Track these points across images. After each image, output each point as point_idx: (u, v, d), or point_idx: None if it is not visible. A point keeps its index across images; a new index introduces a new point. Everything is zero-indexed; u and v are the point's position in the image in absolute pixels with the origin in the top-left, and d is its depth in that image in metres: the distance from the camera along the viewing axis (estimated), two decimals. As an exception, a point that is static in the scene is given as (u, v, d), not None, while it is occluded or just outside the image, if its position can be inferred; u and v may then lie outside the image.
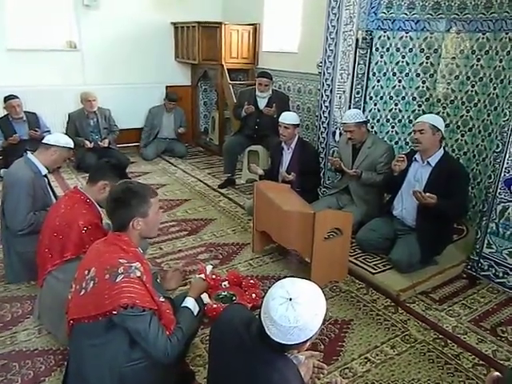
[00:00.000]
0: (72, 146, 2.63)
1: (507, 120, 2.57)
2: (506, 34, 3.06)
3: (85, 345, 1.57)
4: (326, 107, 3.87)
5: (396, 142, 3.82)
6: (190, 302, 1.73)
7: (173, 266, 2.80)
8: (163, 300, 1.62)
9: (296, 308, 1.16)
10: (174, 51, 5.91)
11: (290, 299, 1.17)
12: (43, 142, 2.54)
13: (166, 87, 5.82)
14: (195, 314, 1.72)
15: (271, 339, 1.19)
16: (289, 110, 3.95)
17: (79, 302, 1.57)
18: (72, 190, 2.21)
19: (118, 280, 1.47)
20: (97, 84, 5.23)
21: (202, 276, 1.86)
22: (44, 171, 2.54)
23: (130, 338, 1.53)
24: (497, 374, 0.75)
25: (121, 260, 1.52)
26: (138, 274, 1.50)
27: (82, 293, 1.56)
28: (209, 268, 1.93)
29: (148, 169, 5.08)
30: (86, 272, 1.57)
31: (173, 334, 1.56)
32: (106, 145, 4.83)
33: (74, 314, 1.58)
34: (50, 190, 2.66)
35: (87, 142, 4.71)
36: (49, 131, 4.44)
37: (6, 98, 4.37)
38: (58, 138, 2.56)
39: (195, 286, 1.83)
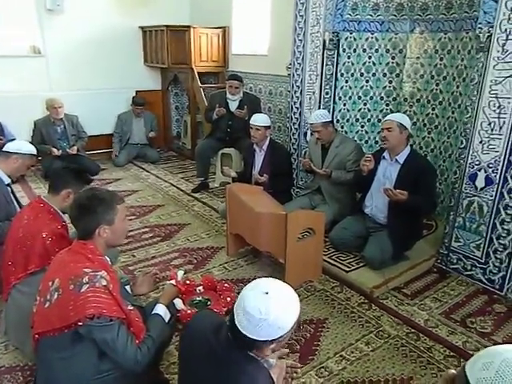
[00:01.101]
0: (34, 152, 2.55)
1: (470, 117, 2.65)
2: (467, 33, 3.16)
3: (52, 359, 1.51)
4: (297, 108, 3.90)
5: (366, 141, 3.89)
6: (160, 309, 1.70)
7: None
8: (132, 308, 1.58)
9: (269, 302, 1.16)
10: (143, 55, 5.84)
11: (266, 293, 1.18)
12: (3, 150, 2.46)
13: (136, 92, 5.73)
14: (166, 320, 1.69)
15: (239, 332, 1.17)
16: (260, 112, 3.96)
17: (44, 315, 1.51)
18: (35, 199, 2.13)
19: (82, 290, 1.42)
20: (63, 90, 5.09)
21: (173, 282, 1.83)
22: (6, 180, 2.45)
23: (99, 349, 1.49)
24: (452, 371, 0.75)
25: (86, 269, 1.47)
26: (104, 282, 1.46)
27: (46, 305, 1.50)
28: (180, 274, 1.90)
29: (119, 175, 4.98)
30: (50, 283, 1.51)
31: (142, 343, 1.53)
32: (74, 152, 4.71)
33: (39, 328, 1.53)
34: (14, 199, 2.57)
35: (54, 150, 4.58)
36: (14, 139, 4.29)
37: (-33, 107, 4.21)
38: (20, 145, 2.48)
39: (166, 293, 1.80)
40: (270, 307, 1.15)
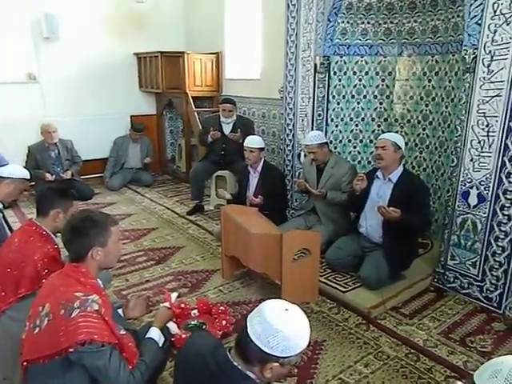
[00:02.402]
0: (27, 176, 2.54)
1: (459, 136, 2.69)
2: (453, 55, 3.25)
3: (41, 388, 1.46)
4: (290, 130, 3.94)
5: (359, 162, 3.92)
6: (154, 333, 1.66)
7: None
8: (124, 333, 1.54)
9: (289, 317, 1.18)
10: (138, 81, 5.93)
11: (286, 310, 1.20)
12: (-4, 175, 2.45)
13: (131, 117, 5.79)
14: (160, 344, 1.65)
15: (249, 342, 1.15)
16: (254, 135, 4.00)
17: (33, 341, 1.47)
18: (26, 222, 2.11)
19: (73, 315, 1.39)
20: (58, 116, 5.12)
21: (167, 304, 1.79)
22: (-1, 205, 2.43)
23: (90, 376, 1.44)
24: (459, 383, 0.74)
25: (77, 293, 1.44)
26: (96, 307, 1.43)
27: (36, 331, 1.46)
28: (174, 296, 1.86)
29: (114, 199, 4.97)
30: (41, 308, 1.47)
31: (135, 368, 1.48)
32: (68, 176, 4.71)
33: (28, 355, 1.48)
34: (5, 225, 2.54)
35: (48, 175, 4.58)
36: (7, 164, 4.28)
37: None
38: (12, 169, 2.48)
39: (159, 315, 1.76)
40: (288, 321, 1.17)
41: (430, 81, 3.51)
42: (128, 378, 1.45)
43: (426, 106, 3.56)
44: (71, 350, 1.37)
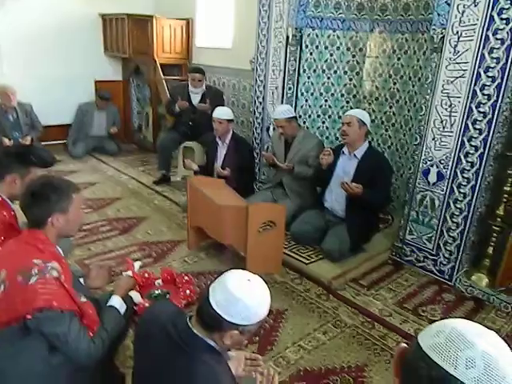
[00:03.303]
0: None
1: (423, 115, 2.76)
2: (422, 34, 3.28)
3: (-2, 355, 1.44)
4: (260, 103, 3.91)
5: (327, 137, 3.96)
6: (115, 301, 1.65)
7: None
8: (85, 300, 1.52)
9: (251, 287, 1.20)
10: (103, 44, 5.64)
11: (249, 280, 1.22)
12: None
13: (96, 82, 5.54)
14: (122, 312, 1.65)
15: (211, 309, 1.17)
16: (223, 106, 3.94)
17: (-12, 309, 1.43)
18: (-20, 188, 2.01)
19: (31, 282, 1.36)
20: (16, 77, 4.81)
21: (129, 273, 1.79)
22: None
23: (49, 343, 1.43)
24: (404, 345, 0.79)
25: (35, 260, 1.40)
26: (55, 274, 1.40)
27: (-9, 298, 1.42)
28: (137, 264, 1.85)
29: (77, 167, 4.81)
30: (-4, 275, 1.43)
31: (96, 335, 1.48)
32: (27, 142, 4.50)
33: (-16, 322, 1.44)
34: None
35: (6, 140, 4.36)
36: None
37: None
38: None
39: (122, 284, 1.75)
40: (250, 291, 1.19)
41: (399, 59, 3.54)
42: (88, 345, 1.45)
43: (394, 84, 3.61)
44: (29, 316, 1.35)
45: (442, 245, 2.79)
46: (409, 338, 2.22)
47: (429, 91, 2.70)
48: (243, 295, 1.17)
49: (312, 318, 2.36)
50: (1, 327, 1.41)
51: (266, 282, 1.28)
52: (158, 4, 5.79)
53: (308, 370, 1.98)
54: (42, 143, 4.89)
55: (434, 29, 2.60)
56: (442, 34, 2.55)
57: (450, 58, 2.54)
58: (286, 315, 2.37)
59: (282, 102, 3.66)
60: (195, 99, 4.24)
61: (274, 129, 3.67)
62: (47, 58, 5.16)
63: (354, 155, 2.89)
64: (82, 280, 1.86)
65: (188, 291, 2.39)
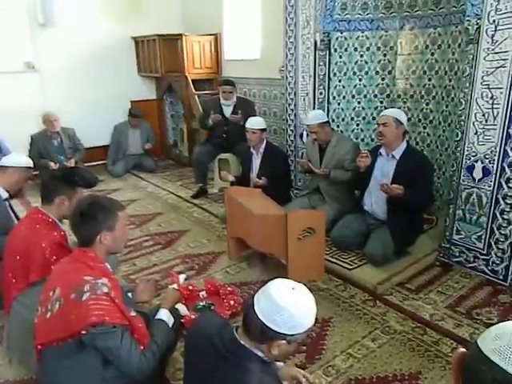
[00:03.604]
0: (31, 165, 2.55)
1: (463, 109, 2.65)
2: (456, 27, 3.18)
3: (55, 369, 1.50)
4: (292, 110, 3.91)
5: (362, 139, 3.89)
6: (163, 314, 1.69)
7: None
8: (135, 314, 1.57)
9: (296, 296, 1.20)
10: (137, 65, 5.87)
11: (293, 289, 1.21)
12: (0, 164, 2.45)
13: (131, 102, 5.75)
14: (170, 325, 1.68)
15: (256, 319, 1.16)
16: (255, 116, 3.97)
17: (46, 325, 1.50)
18: (32, 210, 2.13)
19: (84, 298, 1.41)
20: (59, 103, 5.09)
21: (175, 286, 1.82)
22: (4, 195, 2.45)
23: (103, 357, 1.47)
24: (462, 350, 0.75)
25: (86, 277, 1.46)
26: (106, 289, 1.45)
27: (48, 315, 1.49)
28: (182, 277, 1.89)
29: (118, 185, 4.98)
30: (51, 293, 1.51)
31: (147, 349, 1.52)
32: (72, 165, 4.71)
33: (42, 338, 1.52)
34: (12, 214, 2.56)
35: (51, 164, 4.58)
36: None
37: (-36, 124, 4.21)
38: (15, 158, 2.48)
39: (168, 297, 1.79)
40: (295, 300, 1.18)
41: (432, 54, 3.44)
42: (140, 358, 1.48)
43: (429, 80, 3.50)
44: (84, 332, 1.41)
45: (493, 243, 2.65)
46: (464, 342, 2.12)
47: (467, 84, 2.60)
48: (288, 304, 1.16)
49: (359, 324, 2.30)
50: (57, 343, 1.47)
51: (309, 290, 1.26)
52: (187, 22, 5.95)
53: (359, 378, 1.93)
54: (85, 164, 5.11)
55: (468, 20, 2.51)
56: (477, 24, 2.46)
57: (488, 49, 2.43)
58: (332, 323, 2.32)
59: (313, 108, 3.64)
60: (227, 111, 4.31)
61: (307, 135, 3.65)
62: (85, 83, 5.42)
63: (392, 156, 2.82)
64: (130, 295, 1.91)
65: (232, 302, 2.40)
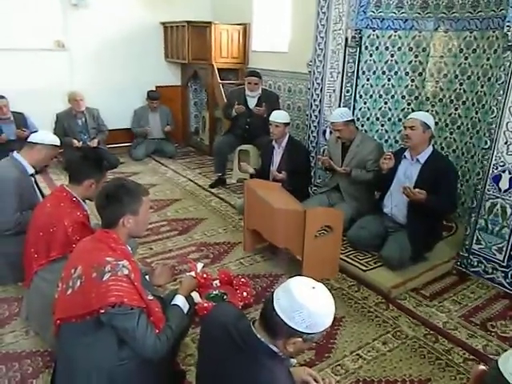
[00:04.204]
0: (58, 143, 2.59)
1: (495, 117, 2.59)
2: (493, 32, 3.09)
3: (73, 344, 1.54)
4: (316, 106, 3.87)
5: (386, 140, 3.84)
6: (179, 300, 1.71)
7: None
8: (152, 298, 1.59)
9: (316, 295, 1.20)
10: (164, 51, 5.88)
11: (313, 288, 1.21)
12: (28, 140, 2.51)
13: (156, 87, 5.78)
14: (185, 311, 1.70)
15: (275, 315, 1.16)
16: (279, 109, 3.95)
17: (66, 302, 1.54)
18: (58, 188, 2.17)
19: (105, 278, 1.44)
20: (85, 83, 5.16)
21: (193, 274, 1.84)
22: (31, 170, 2.50)
23: (119, 336, 1.51)
24: (482, 367, 0.74)
25: (108, 258, 1.49)
26: (126, 271, 1.48)
27: (68, 292, 1.53)
28: (199, 266, 1.91)
29: (138, 169, 5.04)
30: (73, 271, 1.54)
31: (162, 332, 1.54)
32: (94, 145, 4.79)
33: (61, 314, 1.55)
34: (37, 189, 2.62)
35: (75, 141, 4.66)
36: (36, 131, 4.37)
37: (-8, 98, 4.30)
38: (43, 135, 2.53)
39: (185, 284, 1.81)
40: (314, 299, 1.18)
41: (466, 58, 3.36)
42: (154, 341, 1.51)
43: (461, 84, 3.42)
44: (102, 311, 1.44)
45: (513, 256, 2.60)
46: (477, 354, 2.09)
47: (501, 92, 2.53)
48: (308, 303, 1.16)
49: (371, 327, 2.30)
50: (76, 319, 1.51)
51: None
52: (216, 10, 5.94)
53: (367, 380, 1.93)
54: (107, 146, 5.18)
55: (508, 26, 2.44)
56: (517, 30, 2.39)
57: (527, 56, 2.37)
58: (344, 322, 2.32)
59: (339, 105, 3.61)
60: (251, 103, 4.29)
61: (330, 132, 3.62)
62: (113, 65, 5.47)
63: (417, 160, 2.77)
64: (147, 277, 1.94)
65: (245, 293, 2.41)
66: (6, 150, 3.75)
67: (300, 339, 1.18)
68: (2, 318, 2.24)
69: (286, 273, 2.80)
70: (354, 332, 2.25)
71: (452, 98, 3.50)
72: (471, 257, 2.83)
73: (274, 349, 1.22)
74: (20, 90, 4.73)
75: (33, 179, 2.55)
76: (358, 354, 2.08)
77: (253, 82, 4.25)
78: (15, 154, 2.49)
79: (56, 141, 2.58)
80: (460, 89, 3.43)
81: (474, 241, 2.81)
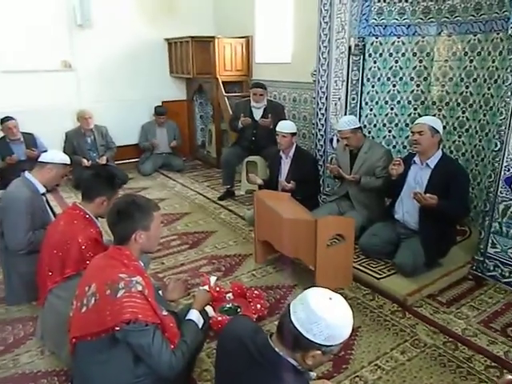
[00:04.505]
0: (68, 162, 2.62)
1: (504, 119, 2.57)
2: (497, 34, 3.08)
3: (88, 362, 1.53)
4: (322, 115, 3.88)
5: (394, 146, 3.82)
6: (194, 315, 1.70)
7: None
8: (166, 314, 1.59)
9: (333, 306, 1.18)
10: (169, 66, 5.96)
11: (330, 299, 1.20)
12: (39, 160, 2.53)
13: (162, 102, 5.84)
14: (200, 326, 1.69)
15: (292, 328, 1.15)
16: (285, 119, 3.96)
17: (81, 320, 1.54)
18: (70, 206, 2.19)
19: (119, 295, 1.44)
20: (93, 102, 5.24)
21: (206, 288, 1.83)
22: (42, 190, 2.52)
23: (134, 353, 1.50)
24: (510, 377, 0.72)
25: (121, 275, 1.49)
26: (140, 288, 1.47)
27: (83, 310, 1.53)
28: (213, 279, 1.90)
29: (147, 184, 5.07)
30: (87, 288, 1.54)
31: (177, 348, 1.53)
32: (103, 162, 4.84)
33: (77, 332, 1.55)
34: (48, 208, 2.64)
35: (84, 160, 4.71)
36: (46, 151, 4.43)
37: (3, 120, 4.37)
38: (53, 155, 2.55)
39: (199, 298, 1.80)
40: (332, 310, 1.16)
41: (471, 61, 3.35)
42: (170, 357, 1.49)
43: (467, 87, 3.41)
44: (117, 328, 1.43)
45: (530, 259, 2.55)
46: (499, 361, 2.04)
47: (509, 93, 2.51)
48: (326, 314, 1.14)
49: (388, 336, 2.26)
50: (92, 337, 1.50)
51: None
52: (219, 25, 6.01)
53: (387, 391, 1.89)
54: (116, 162, 5.23)
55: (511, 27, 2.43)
56: (522, 31, 2.38)
57: (533, 57, 2.35)
58: (360, 333, 2.28)
59: (345, 113, 3.61)
60: (257, 114, 4.32)
61: (338, 140, 3.62)
62: (119, 83, 5.55)
63: (427, 164, 2.75)
64: (160, 293, 1.94)
65: (259, 306, 2.39)
66: (17, 171, 3.82)
67: (319, 352, 1.16)
68: (17, 338, 2.24)
69: (299, 283, 2.78)
70: (371, 342, 2.21)
71: (459, 101, 3.49)
72: (487, 261, 2.78)
73: (293, 362, 1.20)
74: (29, 111, 4.82)
75: (44, 198, 2.57)
76: (376, 365, 2.04)
77: (258, 93, 4.27)
78: (26, 173, 2.51)
79: (66, 160, 2.61)
80: (466, 92, 3.42)
81: (490, 244, 2.76)
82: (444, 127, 3.50)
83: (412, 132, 2.79)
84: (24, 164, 4.14)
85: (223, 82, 5.40)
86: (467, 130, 3.46)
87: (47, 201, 2.63)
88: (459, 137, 3.53)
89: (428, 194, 2.57)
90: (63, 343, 1.82)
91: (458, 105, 3.49)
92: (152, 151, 5.50)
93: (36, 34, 4.96)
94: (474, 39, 3.30)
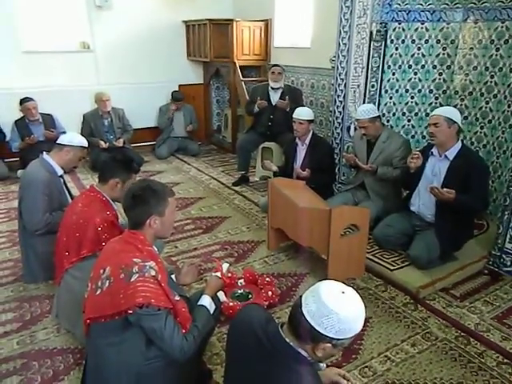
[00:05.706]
0: (86, 145, 2.64)
1: (529, 110, 2.48)
2: (527, 21, 2.96)
3: (102, 344, 1.57)
4: (340, 102, 3.81)
5: (412, 136, 3.74)
6: (206, 300, 1.72)
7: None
8: (178, 299, 1.60)
9: (346, 300, 1.16)
10: (186, 49, 5.92)
11: (343, 292, 1.18)
12: (57, 142, 2.56)
13: (179, 86, 5.82)
14: (211, 312, 1.70)
15: (303, 320, 1.14)
16: (302, 104, 3.91)
17: (95, 302, 1.57)
18: (88, 188, 2.22)
19: (132, 279, 1.46)
20: (110, 84, 5.26)
21: (218, 274, 1.84)
22: (59, 171, 2.56)
23: (146, 337, 1.52)
24: None
25: (135, 259, 1.51)
26: (153, 273, 1.49)
27: (97, 292, 1.55)
28: (225, 266, 1.90)
29: (162, 167, 5.10)
30: (102, 271, 1.56)
31: (189, 332, 1.55)
32: (120, 144, 4.87)
33: (91, 314, 1.58)
34: (66, 190, 2.68)
35: (102, 142, 4.75)
36: (64, 132, 4.47)
37: (22, 101, 4.42)
38: (72, 137, 2.58)
39: (211, 284, 1.81)
40: (344, 304, 1.15)
41: (497, 49, 3.23)
42: (181, 341, 1.52)
43: (492, 77, 3.30)
44: (130, 311, 1.45)
45: (550, 256, 2.49)
46: (511, 357, 2.01)
47: (536, 84, 2.42)
48: (338, 308, 1.13)
49: (399, 328, 2.25)
50: (105, 319, 1.53)
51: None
52: (237, 7, 5.92)
53: (396, 383, 1.89)
54: (132, 145, 5.26)
55: (544, 14, 2.32)
56: (554, 19, 2.27)
57: None
58: (371, 323, 2.28)
59: (364, 101, 3.54)
60: (274, 98, 4.27)
61: (355, 128, 3.56)
62: (137, 65, 5.55)
63: (445, 156, 2.68)
64: (173, 277, 1.96)
65: (270, 293, 2.40)
66: (36, 151, 3.88)
67: (329, 345, 1.16)
68: (34, 316, 2.31)
69: (310, 272, 2.78)
70: (381, 333, 2.21)
71: (483, 90, 3.38)
72: (504, 256, 2.73)
73: (303, 353, 1.20)
74: (47, 92, 4.87)
75: (62, 180, 2.61)
76: (386, 356, 2.04)
77: (276, 71, 4.23)
78: (45, 155, 2.55)
79: (84, 142, 2.63)
80: (491, 81, 3.31)
81: (507, 239, 2.70)
82: (466, 117, 3.42)
83: (428, 124, 2.72)
84: (43, 145, 4.20)
85: (240, 67, 5.34)
86: (490, 121, 3.36)
87: (65, 182, 2.67)
88: (481, 128, 3.43)
89: (445, 189, 2.51)
90: (77, 322, 1.87)
91: (482, 95, 3.38)
92: (170, 132, 5.48)
93: (55, 16, 4.97)
94: (502, 26, 3.18)
